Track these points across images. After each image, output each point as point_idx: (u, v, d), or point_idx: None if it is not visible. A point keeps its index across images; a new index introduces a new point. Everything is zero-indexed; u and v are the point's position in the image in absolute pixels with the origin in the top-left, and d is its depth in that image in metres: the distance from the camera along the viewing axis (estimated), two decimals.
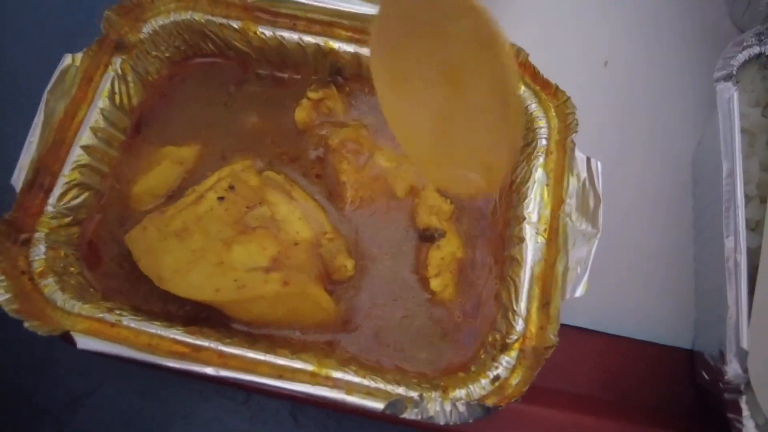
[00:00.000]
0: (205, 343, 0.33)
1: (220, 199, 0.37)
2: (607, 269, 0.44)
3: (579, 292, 0.34)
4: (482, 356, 0.35)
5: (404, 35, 0.27)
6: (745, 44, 0.43)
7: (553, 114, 0.39)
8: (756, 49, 0.43)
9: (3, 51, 0.54)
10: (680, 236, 0.46)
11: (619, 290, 0.45)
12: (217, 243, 0.35)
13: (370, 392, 0.31)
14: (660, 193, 0.48)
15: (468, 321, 0.36)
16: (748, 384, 0.33)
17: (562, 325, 0.39)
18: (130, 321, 0.34)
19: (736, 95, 0.40)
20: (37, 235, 0.37)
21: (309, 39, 0.41)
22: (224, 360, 0.32)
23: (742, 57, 0.43)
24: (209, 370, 0.31)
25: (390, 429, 0.42)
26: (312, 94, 0.42)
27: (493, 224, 0.39)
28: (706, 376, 0.40)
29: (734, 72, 0.41)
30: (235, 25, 0.42)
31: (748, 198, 0.39)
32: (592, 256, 0.34)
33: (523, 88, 0.40)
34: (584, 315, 0.44)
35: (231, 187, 0.37)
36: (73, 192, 0.39)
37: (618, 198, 0.45)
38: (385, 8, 0.27)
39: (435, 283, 0.37)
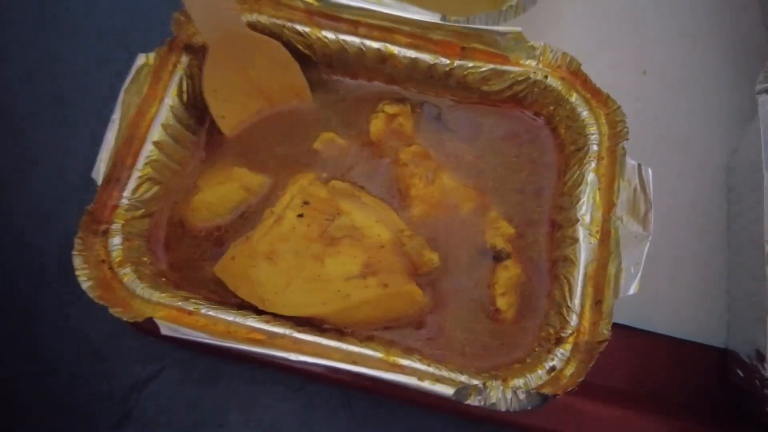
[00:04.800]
0: (280, 331, 0.35)
1: (300, 216, 0.38)
2: (644, 270, 0.46)
3: (632, 291, 0.36)
4: (537, 349, 0.37)
5: (227, 68, 0.43)
6: None
7: (604, 121, 0.41)
8: None
9: (72, 50, 0.56)
10: (714, 240, 0.48)
11: (654, 290, 0.47)
12: (308, 259, 0.37)
13: (438, 379, 0.33)
14: (695, 198, 0.50)
15: (524, 328, 0.38)
16: None
17: None
18: (207, 310, 0.36)
19: None
20: (114, 226, 0.39)
21: (370, 43, 0.43)
22: (300, 347, 0.34)
23: None
24: (291, 356, 0.33)
25: (437, 416, 0.44)
26: (388, 108, 0.43)
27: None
28: (741, 374, 0.42)
29: None
30: (299, 28, 0.44)
31: None
32: (644, 257, 0.36)
33: (575, 95, 0.42)
34: (621, 312, 0.46)
35: (306, 203, 0.39)
36: (145, 186, 0.41)
37: (655, 202, 0.47)
38: (212, 50, 0.42)
39: (502, 302, 0.38)
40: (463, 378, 0.34)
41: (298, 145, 0.44)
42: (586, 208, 0.38)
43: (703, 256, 0.48)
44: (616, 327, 0.47)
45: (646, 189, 0.38)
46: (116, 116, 0.40)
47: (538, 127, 0.44)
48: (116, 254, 0.38)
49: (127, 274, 0.38)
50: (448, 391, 0.33)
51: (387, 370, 0.33)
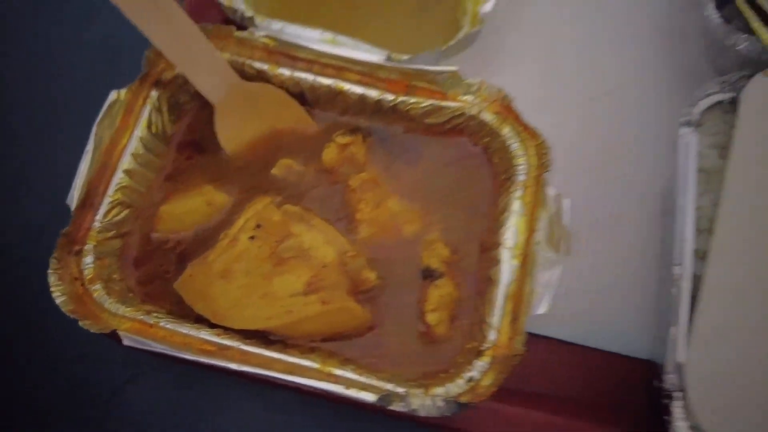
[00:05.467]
0: (229, 343, 0.40)
1: (251, 238, 0.42)
2: (584, 289, 0.50)
3: (541, 310, 0.40)
4: (460, 361, 0.41)
5: (235, 118, 0.48)
6: (708, 92, 0.48)
7: (533, 153, 0.45)
8: (718, 97, 0.48)
9: (56, 85, 0.60)
10: (648, 262, 0.52)
11: (591, 307, 0.50)
12: (259, 278, 0.41)
13: (364, 387, 0.38)
14: (631, 224, 0.53)
15: (453, 340, 0.43)
16: (680, 391, 0.39)
17: (540, 336, 0.48)
18: (166, 323, 0.41)
19: (694, 140, 0.45)
20: (87, 246, 0.43)
21: (322, 80, 0.47)
22: (245, 357, 0.39)
23: (704, 104, 0.48)
24: (234, 366, 0.37)
25: (380, 419, 0.48)
26: (340, 139, 0.48)
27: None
28: (655, 383, 0.46)
29: (696, 118, 0.47)
30: (258, 65, 0.48)
31: (699, 231, 0.45)
32: (556, 279, 0.40)
33: (506, 129, 0.46)
34: (560, 328, 0.50)
35: (258, 226, 0.43)
36: (116, 210, 0.45)
37: (593, 225, 0.51)
38: (218, 107, 0.47)
39: (432, 317, 0.42)
40: (389, 386, 0.38)
41: (258, 170, 0.49)
42: (511, 232, 0.42)
43: (638, 278, 0.51)
44: (555, 341, 0.51)
45: (562, 217, 0.42)
46: (89, 148, 0.44)
47: (477, 156, 0.48)
48: (88, 272, 0.43)
49: (97, 290, 0.42)
50: (371, 397, 0.37)
51: (320, 380, 0.38)
